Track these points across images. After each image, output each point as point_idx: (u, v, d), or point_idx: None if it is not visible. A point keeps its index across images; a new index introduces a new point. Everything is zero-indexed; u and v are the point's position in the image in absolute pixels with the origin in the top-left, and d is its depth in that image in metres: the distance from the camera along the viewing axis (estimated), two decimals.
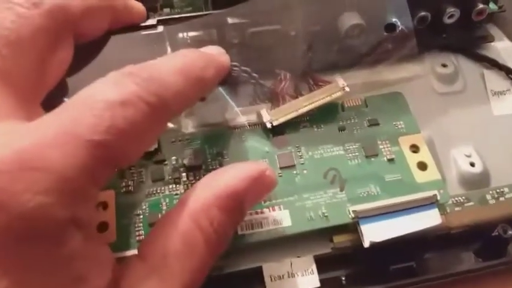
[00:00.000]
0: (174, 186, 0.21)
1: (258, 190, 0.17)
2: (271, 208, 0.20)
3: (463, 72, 0.25)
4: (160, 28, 0.22)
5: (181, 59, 0.16)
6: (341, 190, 0.21)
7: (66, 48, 0.18)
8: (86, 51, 0.21)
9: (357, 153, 0.22)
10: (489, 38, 0.25)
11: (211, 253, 0.15)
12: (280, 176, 0.21)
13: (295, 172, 0.21)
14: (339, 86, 0.23)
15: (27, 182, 0.11)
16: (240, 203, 0.16)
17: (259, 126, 0.23)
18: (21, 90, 0.15)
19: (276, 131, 0.23)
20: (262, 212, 0.20)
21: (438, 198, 0.20)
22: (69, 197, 0.12)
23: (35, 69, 0.16)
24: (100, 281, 0.13)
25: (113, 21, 0.21)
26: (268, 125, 0.22)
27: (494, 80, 0.25)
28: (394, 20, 0.24)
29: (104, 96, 0.13)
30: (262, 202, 0.20)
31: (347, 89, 0.23)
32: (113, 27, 0.21)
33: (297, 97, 0.23)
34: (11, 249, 0.11)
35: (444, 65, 0.25)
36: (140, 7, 0.22)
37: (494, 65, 0.25)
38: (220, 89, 0.23)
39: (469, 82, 0.25)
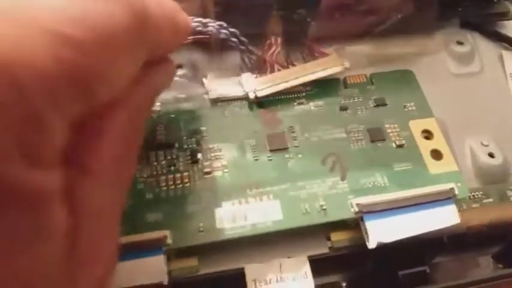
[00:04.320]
0: (139, 167, 0.17)
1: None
2: (258, 197, 0.17)
3: (479, 51, 0.22)
4: None
5: None
6: (342, 179, 0.17)
7: None
8: None
9: (361, 137, 0.19)
10: (509, 15, 0.23)
11: None
12: (270, 159, 0.18)
13: (287, 156, 0.18)
14: (337, 60, 0.20)
15: None
16: None
17: (246, 101, 0.19)
18: None
19: (265, 107, 0.19)
20: (247, 202, 0.16)
21: (456, 192, 0.17)
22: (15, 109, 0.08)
23: None
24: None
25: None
26: (251, 95, 0.18)
27: None
28: None
29: None
30: (248, 190, 0.17)
31: (347, 64, 0.20)
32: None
33: (287, 67, 0.19)
34: None
35: (460, 43, 0.22)
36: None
37: None
38: (200, 55, 0.20)
39: (486, 63, 0.22)
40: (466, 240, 0.18)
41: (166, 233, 0.15)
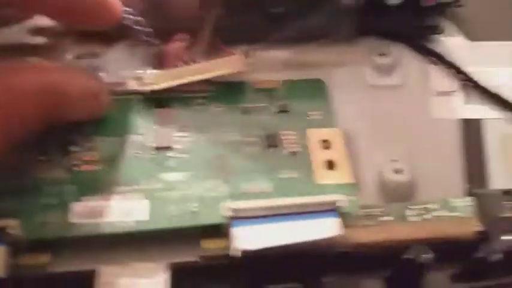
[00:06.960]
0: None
1: None
2: (127, 195, 0.16)
3: (403, 65, 0.21)
4: None
5: None
6: (225, 182, 0.16)
7: None
8: None
9: (255, 142, 0.18)
10: (438, 30, 0.22)
11: None
12: (151, 157, 0.17)
13: (170, 155, 0.17)
14: (240, 61, 0.19)
15: None
16: None
17: (141, 96, 0.18)
18: None
19: (163, 105, 0.18)
20: (110, 199, 0.15)
21: (341, 204, 0.16)
22: None
23: None
24: None
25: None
26: (144, 89, 0.18)
27: (440, 78, 0.21)
28: None
29: None
30: (117, 187, 0.16)
31: (249, 66, 0.19)
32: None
33: (189, 64, 0.19)
34: None
35: (382, 54, 0.21)
36: None
37: (443, 61, 0.21)
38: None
39: (409, 77, 0.21)
40: (355, 259, 0.17)
41: (12, 222, 0.14)
